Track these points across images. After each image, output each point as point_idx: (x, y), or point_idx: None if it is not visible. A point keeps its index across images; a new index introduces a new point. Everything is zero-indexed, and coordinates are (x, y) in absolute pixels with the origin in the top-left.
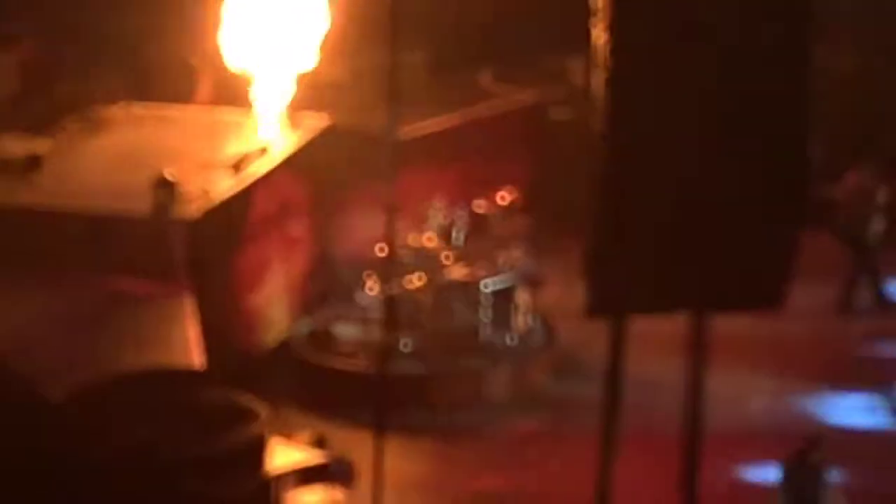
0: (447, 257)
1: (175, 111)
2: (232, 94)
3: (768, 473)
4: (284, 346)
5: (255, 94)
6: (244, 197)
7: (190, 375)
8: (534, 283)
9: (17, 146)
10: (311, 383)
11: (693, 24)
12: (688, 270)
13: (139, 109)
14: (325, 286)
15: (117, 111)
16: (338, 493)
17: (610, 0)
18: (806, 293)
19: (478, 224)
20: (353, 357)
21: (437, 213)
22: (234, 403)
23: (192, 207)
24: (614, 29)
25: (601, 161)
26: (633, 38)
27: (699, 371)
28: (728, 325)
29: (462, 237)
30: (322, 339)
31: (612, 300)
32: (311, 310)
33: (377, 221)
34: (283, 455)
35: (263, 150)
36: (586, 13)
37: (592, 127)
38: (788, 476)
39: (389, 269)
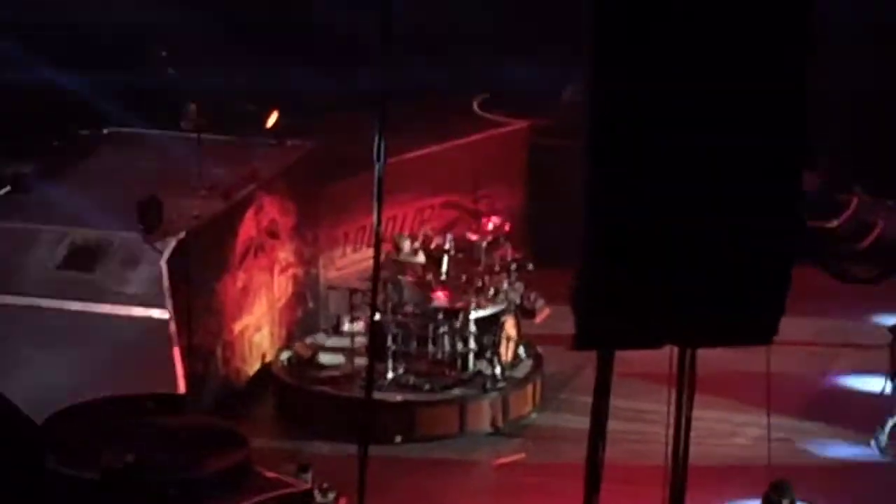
0: (434, 285)
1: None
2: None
3: None
4: (269, 371)
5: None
6: (230, 220)
7: (174, 400)
8: (521, 311)
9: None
10: (295, 410)
11: (682, 55)
12: (676, 305)
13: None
14: (310, 312)
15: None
16: None
17: (595, 35)
18: (794, 326)
19: (466, 252)
20: (337, 384)
21: (425, 240)
22: (217, 428)
23: (179, 230)
24: (600, 62)
25: (589, 192)
26: (620, 69)
27: (686, 404)
28: (716, 358)
29: (449, 265)
30: (307, 365)
31: (599, 334)
32: (296, 336)
33: (364, 248)
34: (266, 481)
35: (251, 175)
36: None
37: (581, 158)
38: None
39: (375, 295)
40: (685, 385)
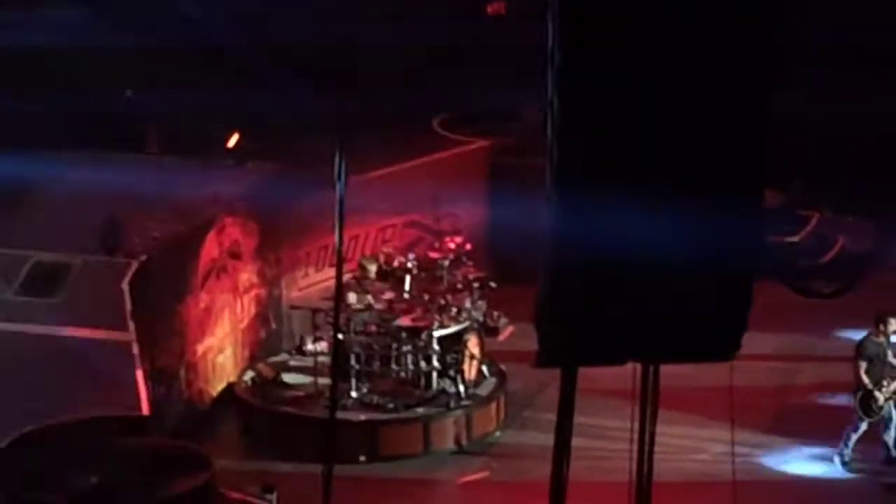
0: (397, 304)
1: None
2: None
3: None
4: (232, 392)
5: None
6: (192, 242)
7: (137, 422)
8: (484, 329)
9: None
10: (259, 430)
11: (644, 73)
12: (639, 322)
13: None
14: (273, 333)
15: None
16: None
17: (560, 51)
18: (757, 341)
19: (428, 270)
20: (301, 404)
21: (387, 259)
22: (181, 450)
23: (140, 252)
24: (564, 79)
25: (551, 210)
26: (583, 87)
27: (649, 420)
28: (679, 374)
29: (412, 284)
30: (270, 385)
31: (562, 351)
32: (259, 356)
33: (326, 268)
34: (231, 502)
35: (213, 197)
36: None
37: (542, 176)
38: None
39: (338, 315)
40: (649, 401)
